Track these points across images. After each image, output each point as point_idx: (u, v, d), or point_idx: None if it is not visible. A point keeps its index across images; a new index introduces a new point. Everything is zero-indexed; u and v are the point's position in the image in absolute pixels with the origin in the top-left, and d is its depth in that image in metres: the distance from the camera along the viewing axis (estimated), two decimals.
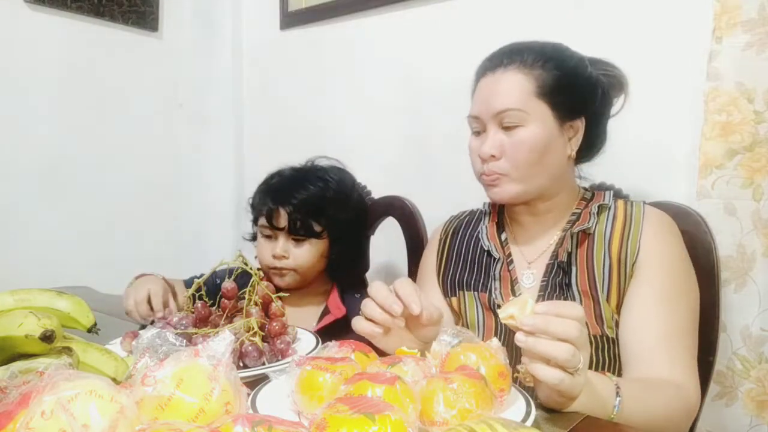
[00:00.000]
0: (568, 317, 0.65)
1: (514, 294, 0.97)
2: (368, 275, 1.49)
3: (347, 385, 0.60)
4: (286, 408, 0.67)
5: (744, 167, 1.09)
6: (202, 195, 2.15)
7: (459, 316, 1.04)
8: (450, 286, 1.06)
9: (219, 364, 0.58)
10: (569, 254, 0.94)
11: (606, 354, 0.89)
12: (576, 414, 0.69)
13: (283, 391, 0.68)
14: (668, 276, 0.88)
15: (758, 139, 1.07)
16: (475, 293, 1.02)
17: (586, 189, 1.03)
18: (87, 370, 0.69)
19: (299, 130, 1.99)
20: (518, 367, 0.70)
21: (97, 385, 0.48)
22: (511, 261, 1.00)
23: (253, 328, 0.86)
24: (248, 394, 0.65)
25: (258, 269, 1.07)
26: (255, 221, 1.34)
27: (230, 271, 1.00)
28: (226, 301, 0.92)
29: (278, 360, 0.86)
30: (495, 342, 0.73)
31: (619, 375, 0.88)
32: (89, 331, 0.82)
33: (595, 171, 1.05)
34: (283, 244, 1.26)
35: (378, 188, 1.50)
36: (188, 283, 1.28)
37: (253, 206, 1.33)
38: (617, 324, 0.89)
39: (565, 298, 0.92)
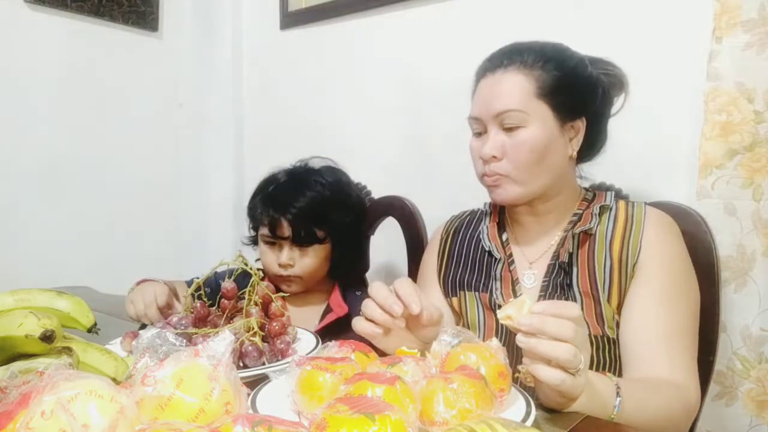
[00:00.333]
0: (565, 317, 0.65)
1: (515, 294, 0.97)
2: (368, 275, 1.49)
3: (347, 385, 0.60)
4: (286, 408, 0.67)
5: (744, 167, 1.09)
6: (202, 195, 2.15)
7: (460, 317, 1.04)
8: (451, 286, 1.06)
9: (219, 364, 0.57)
10: (570, 255, 0.93)
11: (607, 354, 0.89)
12: (576, 414, 0.69)
13: (283, 391, 0.68)
14: (669, 276, 0.88)
15: (758, 139, 1.07)
16: (476, 293, 1.02)
17: (587, 189, 1.03)
18: (87, 370, 0.69)
19: (299, 130, 1.99)
20: (519, 367, 0.70)
21: (97, 385, 0.48)
22: (512, 261, 1.00)
23: (253, 328, 0.86)
24: (248, 394, 0.65)
25: (258, 269, 1.07)
26: (254, 230, 1.33)
27: (230, 272, 1.00)
28: (226, 301, 0.92)
29: (278, 360, 0.86)
30: (495, 342, 0.73)
31: (620, 375, 0.88)
32: (89, 331, 0.82)
33: (595, 171, 1.05)
34: (287, 252, 1.25)
35: (378, 188, 1.50)
36: (190, 284, 1.28)
37: (252, 215, 1.31)
38: (618, 324, 0.89)
39: (566, 299, 0.92)
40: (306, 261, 1.26)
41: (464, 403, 0.60)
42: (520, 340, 0.65)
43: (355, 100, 1.82)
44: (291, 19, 1.98)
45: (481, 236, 1.04)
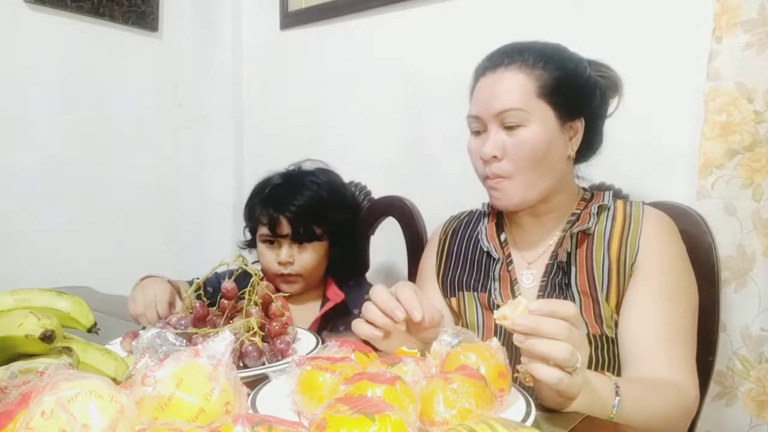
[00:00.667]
0: (560, 316, 0.65)
1: (513, 294, 0.97)
2: (368, 275, 1.49)
3: (347, 385, 0.60)
4: (286, 408, 0.67)
5: (744, 167, 1.09)
6: (202, 195, 2.15)
7: (459, 317, 1.04)
8: (449, 287, 1.06)
9: (219, 364, 0.57)
10: (569, 254, 0.93)
11: (605, 353, 0.89)
12: (576, 414, 0.69)
13: (283, 391, 0.68)
14: (667, 276, 0.88)
15: (758, 139, 1.07)
16: (475, 293, 1.02)
17: (585, 189, 1.03)
18: (87, 370, 0.69)
19: (299, 130, 1.99)
20: (518, 367, 0.70)
21: (97, 385, 0.48)
22: (511, 261, 1.00)
23: (253, 328, 0.86)
24: (248, 394, 0.65)
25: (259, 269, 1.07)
26: (252, 231, 1.36)
27: (230, 272, 1.00)
28: (225, 301, 0.92)
29: (278, 360, 0.86)
30: (495, 342, 0.73)
31: (619, 374, 0.88)
32: (89, 331, 0.82)
33: (594, 171, 1.05)
34: (287, 250, 1.28)
35: (378, 188, 1.50)
36: (191, 285, 1.28)
37: (250, 217, 1.34)
38: (617, 324, 0.89)
39: (565, 298, 0.92)
40: (305, 258, 1.29)
41: (464, 403, 0.60)
42: (518, 339, 0.66)
43: (355, 100, 1.82)
44: (291, 19, 1.98)
45: (479, 236, 1.04)
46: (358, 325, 0.81)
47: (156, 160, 2.04)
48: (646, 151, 1.24)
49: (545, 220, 0.99)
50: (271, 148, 2.09)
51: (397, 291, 0.80)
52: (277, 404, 0.67)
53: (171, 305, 1.10)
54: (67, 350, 0.68)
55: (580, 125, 0.94)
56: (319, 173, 1.36)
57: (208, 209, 2.16)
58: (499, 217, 1.06)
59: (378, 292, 0.80)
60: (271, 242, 1.30)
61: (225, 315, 0.92)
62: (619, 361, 0.89)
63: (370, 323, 0.79)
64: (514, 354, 0.75)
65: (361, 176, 1.53)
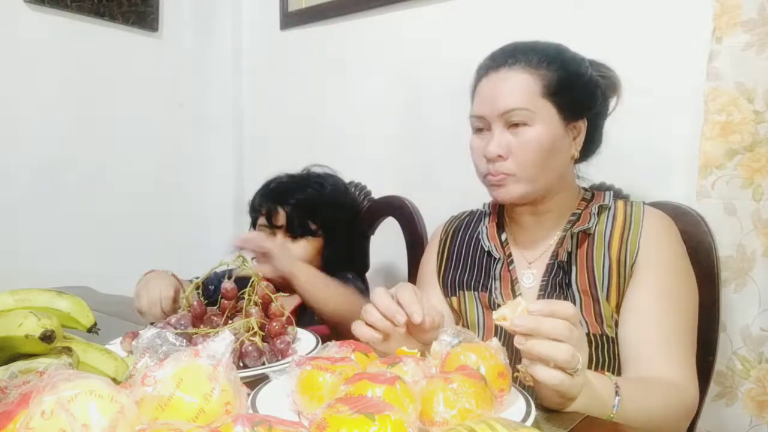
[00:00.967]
0: (560, 316, 0.65)
1: (514, 294, 0.97)
2: (368, 275, 1.49)
3: (347, 385, 0.60)
4: (286, 408, 0.67)
5: (744, 167, 1.09)
6: (202, 195, 2.15)
7: (459, 316, 1.04)
8: (450, 286, 1.06)
9: (219, 364, 0.57)
10: (569, 254, 0.94)
11: (605, 353, 0.89)
12: (576, 414, 0.69)
13: (283, 391, 0.68)
14: (667, 276, 0.88)
15: (758, 139, 1.07)
16: (476, 293, 1.02)
17: (585, 189, 1.03)
18: (87, 370, 0.69)
19: (299, 130, 1.99)
20: (518, 366, 0.70)
21: (97, 385, 0.48)
22: (512, 261, 1.00)
23: (253, 328, 0.86)
24: (248, 394, 0.65)
25: None
26: (253, 224, 1.39)
27: (230, 272, 1.00)
28: (225, 301, 0.92)
29: (278, 360, 0.85)
30: (495, 342, 0.73)
31: (619, 374, 0.88)
32: (89, 331, 0.82)
33: (595, 171, 1.05)
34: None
35: (378, 188, 1.50)
36: None
37: (252, 208, 1.38)
38: (617, 323, 0.89)
39: (565, 298, 0.92)
40: (297, 250, 1.31)
41: (464, 403, 0.60)
42: (518, 341, 0.65)
43: (355, 99, 1.82)
44: (291, 19, 1.98)
45: (480, 236, 1.04)
46: (358, 327, 0.81)
47: (156, 160, 2.04)
48: (646, 151, 1.24)
49: (546, 219, 0.99)
50: (271, 148, 2.10)
51: (398, 293, 0.80)
52: (277, 404, 0.67)
53: (175, 301, 1.10)
54: (67, 350, 0.68)
55: (582, 125, 0.94)
56: (326, 177, 1.41)
57: (209, 209, 2.16)
58: (499, 216, 1.06)
59: (378, 294, 0.80)
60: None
61: (225, 315, 0.92)
62: (619, 360, 0.89)
63: (370, 326, 0.79)
64: (514, 354, 0.75)
65: (361, 176, 1.53)
